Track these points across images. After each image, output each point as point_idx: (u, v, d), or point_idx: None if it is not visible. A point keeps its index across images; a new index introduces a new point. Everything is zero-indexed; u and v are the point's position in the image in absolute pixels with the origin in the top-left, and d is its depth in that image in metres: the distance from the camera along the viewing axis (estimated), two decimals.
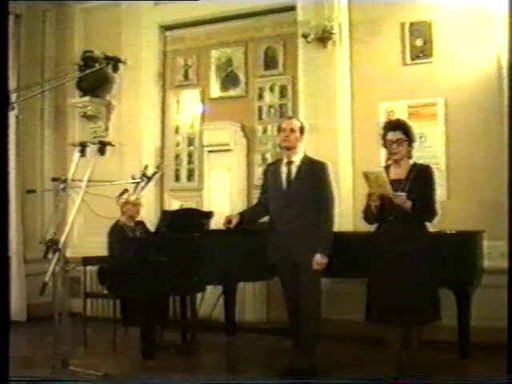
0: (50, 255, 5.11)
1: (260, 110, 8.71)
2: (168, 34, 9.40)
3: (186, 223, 7.10)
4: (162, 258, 6.49)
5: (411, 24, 7.69)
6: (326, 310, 6.00)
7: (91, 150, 5.49)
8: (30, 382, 5.31)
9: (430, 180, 5.47)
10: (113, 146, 5.93)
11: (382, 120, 7.71)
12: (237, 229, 6.09)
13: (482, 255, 6.66)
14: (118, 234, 7.33)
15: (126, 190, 7.02)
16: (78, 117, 9.62)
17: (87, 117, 9.51)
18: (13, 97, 5.48)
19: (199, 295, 7.09)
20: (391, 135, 5.51)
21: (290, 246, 5.74)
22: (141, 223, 7.68)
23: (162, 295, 6.90)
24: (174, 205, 9.06)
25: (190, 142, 9.15)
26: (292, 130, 5.92)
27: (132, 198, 7.28)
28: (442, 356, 6.27)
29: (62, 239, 5.15)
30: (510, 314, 4.33)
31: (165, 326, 7.07)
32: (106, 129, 9.53)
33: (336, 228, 6.00)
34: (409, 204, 5.24)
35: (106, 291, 7.44)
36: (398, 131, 5.53)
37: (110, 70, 5.29)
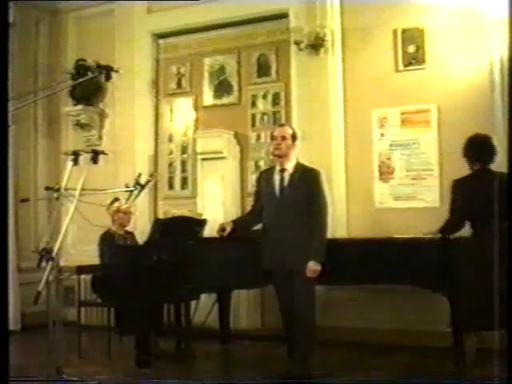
0: (44, 264, 5.09)
1: (253, 117, 8.71)
2: (161, 42, 9.40)
3: (180, 231, 7.10)
4: (155, 265, 6.49)
5: (403, 30, 7.71)
6: (320, 316, 5.98)
7: (84, 158, 5.46)
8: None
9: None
10: (106, 154, 5.91)
11: (375, 127, 7.75)
12: (230, 236, 6.12)
13: None
14: (108, 242, 7.33)
15: (116, 199, 7.02)
16: (72, 125, 9.62)
17: (80, 125, 9.50)
18: (8, 105, 5.47)
19: (193, 303, 7.09)
20: None
21: (284, 254, 5.74)
22: (130, 233, 7.69)
23: (156, 303, 6.90)
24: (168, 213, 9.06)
25: (184, 149, 9.15)
26: (283, 138, 5.93)
27: (123, 207, 7.28)
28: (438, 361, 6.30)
29: (56, 248, 5.12)
30: (510, 315, 4.34)
31: (159, 333, 7.06)
32: (100, 137, 9.52)
33: (329, 235, 6.00)
34: None
35: (99, 300, 7.42)
36: None
37: (102, 78, 5.27)
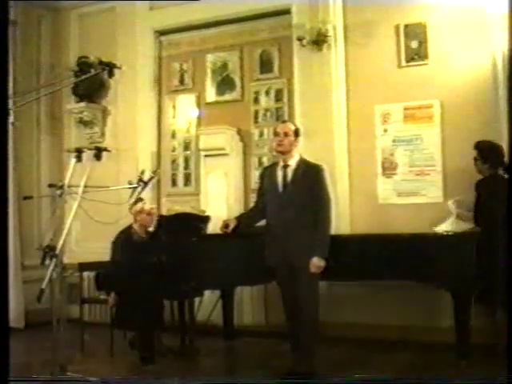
0: (48, 261, 5.09)
1: (256, 113, 8.70)
2: (163, 38, 9.40)
3: (183, 228, 7.09)
4: (159, 262, 6.49)
5: (406, 26, 7.69)
6: (323, 312, 5.97)
7: (87, 155, 5.47)
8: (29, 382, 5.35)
9: None
10: (109, 151, 5.92)
11: (378, 122, 7.74)
12: (234, 233, 6.11)
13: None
14: (123, 239, 7.26)
15: (140, 199, 6.97)
16: (74, 122, 9.62)
17: (83, 122, 9.50)
18: (8, 103, 5.47)
19: (197, 300, 7.09)
20: None
21: (287, 250, 5.74)
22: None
23: (160, 300, 6.90)
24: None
25: (187, 146, 9.14)
26: (286, 134, 5.92)
27: (147, 207, 7.26)
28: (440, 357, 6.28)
29: (59, 245, 5.13)
30: (510, 313, 4.33)
31: (161, 329, 7.05)
32: (102, 134, 9.52)
33: (333, 231, 5.99)
34: None
35: (103, 297, 7.41)
36: None
37: (105, 75, 5.27)
